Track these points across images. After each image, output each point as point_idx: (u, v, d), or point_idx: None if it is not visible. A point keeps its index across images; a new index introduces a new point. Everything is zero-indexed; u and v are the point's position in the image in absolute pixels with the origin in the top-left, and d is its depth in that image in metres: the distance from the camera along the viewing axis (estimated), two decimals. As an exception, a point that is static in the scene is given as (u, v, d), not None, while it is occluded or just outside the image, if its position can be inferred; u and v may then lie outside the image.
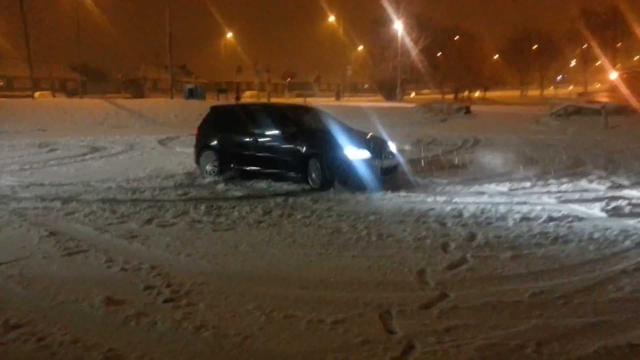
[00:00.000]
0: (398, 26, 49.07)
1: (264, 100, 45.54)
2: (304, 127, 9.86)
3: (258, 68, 43.57)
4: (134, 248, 5.59)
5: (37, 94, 45.47)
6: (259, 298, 4.18)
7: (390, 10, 47.68)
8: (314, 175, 8.94)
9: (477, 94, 75.87)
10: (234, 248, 5.57)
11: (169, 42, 38.38)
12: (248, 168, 9.83)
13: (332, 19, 64.25)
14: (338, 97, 56.58)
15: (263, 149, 9.72)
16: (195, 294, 4.28)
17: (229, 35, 71.19)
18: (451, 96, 65.33)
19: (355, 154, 8.79)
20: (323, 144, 9.14)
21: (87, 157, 13.79)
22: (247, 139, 9.97)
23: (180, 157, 13.40)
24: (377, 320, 3.79)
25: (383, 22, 52.78)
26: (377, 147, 9.27)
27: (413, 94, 71.67)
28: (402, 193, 8.42)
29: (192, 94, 37.99)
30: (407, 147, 15.46)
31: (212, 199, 8.20)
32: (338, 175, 8.71)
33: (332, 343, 3.46)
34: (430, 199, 7.91)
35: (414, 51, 50.42)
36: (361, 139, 9.46)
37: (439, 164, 12.06)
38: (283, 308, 3.98)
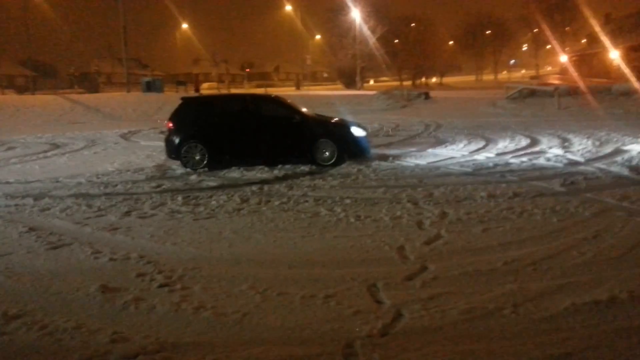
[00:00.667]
0: (355, 14, 49.32)
1: (224, 91, 45.09)
2: (302, 113, 10.72)
3: (217, 59, 43.05)
4: (118, 239, 5.65)
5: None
6: (250, 279, 4.36)
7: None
8: (326, 153, 10.15)
9: (434, 80, 77.36)
10: (218, 235, 5.71)
11: (122, 34, 37.43)
12: (244, 155, 10.46)
13: (288, 8, 64.01)
14: (298, 87, 56.60)
15: (263, 136, 10.38)
16: (188, 278, 4.42)
17: (184, 26, 69.94)
18: (409, 83, 66.39)
19: (358, 133, 10.61)
20: (332, 126, 10.75)
21: (49, 153, 13.50)
22: (243, 128, 10.41)
23: (147, 150, 13.30)
24: (366, 293, 4.04)
25: (340, 10, 53.00)
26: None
27: (372, 82, 72.35)
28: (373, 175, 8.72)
29: (149, 87, 37.25)
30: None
31: (187, 189, 8.27)
32: (350, 150, 10.38)
33: (327, 315, 3.68)
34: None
35: (371, 39, 50.82)
36: (346, 121, 11.41)
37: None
38: (275, 287, 4.17)
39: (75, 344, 3.33)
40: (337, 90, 47.23)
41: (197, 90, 42.68)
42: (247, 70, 75.07)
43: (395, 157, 10.96)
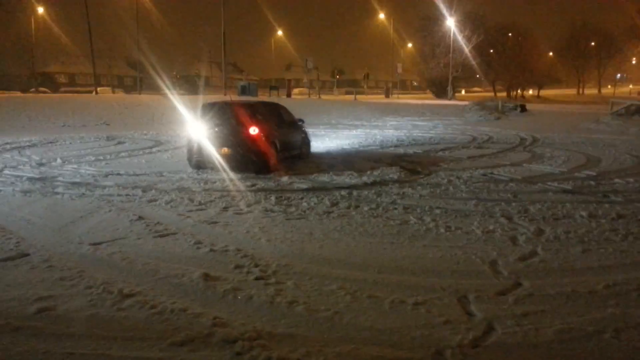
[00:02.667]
0: (450, 23, 48.41)
1: (314, 97, 46.02)
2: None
3: (309, 66, 44.03)
4: (217, 232, 6.02)
5: (94, 91, 47.55)
6: (340, 280, 4.48)
7: (442, 7, 47.20)
8: None
9: (530, 92, 73.95)
10: (309, 235, 5.90)
11: (223, 40, 39.39)
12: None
13: (382, 16, 64.11)
14: (387, 95, 56.42)
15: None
16: (282, 274, 4.63)
17: (279, 33, 72.29)
18: (503, 94, 63.95)
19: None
20: None
21: (154, 149, 14.52)
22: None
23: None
24: (456, 304, 4.02)
25: (434, 19, 52.23)
26: None
27: (463, 92, 70.57)
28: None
29: (244, 91, 38.91)
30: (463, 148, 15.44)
31: (279, 190, 8.58)
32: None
33: (416, 321, 3.72)
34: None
35: (466, 48, 49.61)
36: None
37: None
38: (365, 289, 4.27)
39: (181, 324, 3.62)
40: (427, 100, 46.59)
41: (288, 95, 43.90)
42: (338, 76, 76.07)
43: (488, 170, 10.67)
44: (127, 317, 3.74)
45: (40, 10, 50.23)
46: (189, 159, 10.72)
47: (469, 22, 50.25)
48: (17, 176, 9.87)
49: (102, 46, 51.44)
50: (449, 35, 49.12)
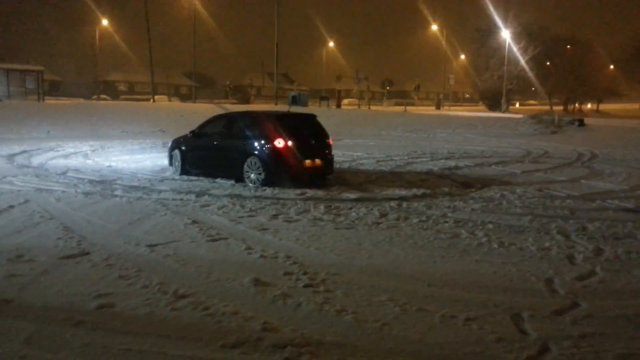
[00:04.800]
0: (506, 35, 47.39)
1: (364, 107, 46.04)
2: None
3: (360, 77, 44.15)
4: (267, 239, 6.11)
5: (152, 99, 49.33)
6: (389, 291, 4.45)
7: (497, 18, 46.30)
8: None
9: (589, 106, 71.20)
10: (358, 245, 5.90)
11: (275, 51, 40.13)
12: None
13: (434, 27, 63.54)
14: (438, 107, 55.73)
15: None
16: (330, 282, 4.64)
17: (330, 44, 72.89)
18: (560, 108, 61.87)
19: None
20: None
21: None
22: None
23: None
24: (509, 322, 3.91)
25: (489, 30, 51.27)
26: None
27: (517, 105, 68.77)
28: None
29: (295, 101, 39.31)
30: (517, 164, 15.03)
31: (328, 199, 8.61)
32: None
33: (467, 337, 3.64)
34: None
35: (521, 60, 48.39)
36: None
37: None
38: (415, 302, 4.22)
39: (232, 327, 3.70)
40: (480, 112, 45.67)
41: (338, 105, 44.13)
42: (388, 88, 75.82)
43: (544, 185, 10.35)
44: (181, 317, 3.85)
45: (105, 22, 52.77)
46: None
47: (525, 33, 49.04)
48: (80, 179, 10.37)
49: (160, 56, 53.64)
50: (504, 47, 48.07)
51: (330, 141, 10.61)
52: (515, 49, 47.95)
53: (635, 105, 74.05)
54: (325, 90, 69.49)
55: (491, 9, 45.49)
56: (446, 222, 7.04)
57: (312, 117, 10.78)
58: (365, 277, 4.81)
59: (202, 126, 11.37)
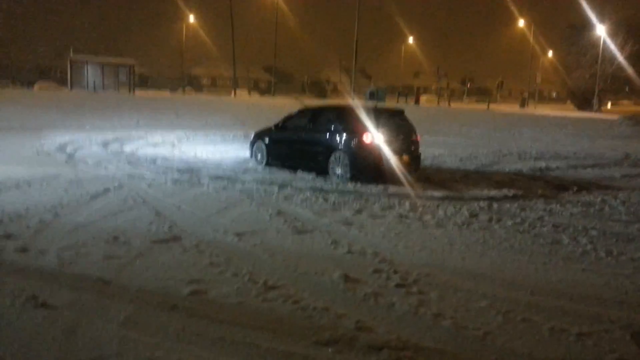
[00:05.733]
0: (601, 31, 44.26)
1: (443, 104, 44.82)
2: None
3: (440, 74, 43.01)
4: (353, 234, 5.95)
5: (233, 93, 50.73)
6: (489, 298, 4.15)
7: (592, 14, 43.29)
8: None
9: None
10: (449, 246, 5.60)
11: (355, 48, 39.88)
12: None
13: (521, 23, 60.61)
14: (523, 105, 53.13)
15: None
16: (423, 283, 4.40)
17: (410, 40, 71.54)
18: (659, 109, 57.03)
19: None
20: None
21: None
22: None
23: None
24: (630, 340, 3.50)
25: (580, 27, 48.11)
26: None
27: (609, 105, 64.22)
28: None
29: (372, 97, 39.04)
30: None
31: (412, 196, 8.32)
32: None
33: (582, 355, 3.29)
34: None
35: (617, 58, 45.00)
36: None
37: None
38: (518, 311, 3.89)
39: (325, 324, 3.57)
40: (568, 112, 43.06)
41: (416, 102, 43.26)
42: (469, 85, 73.32)
43: (650, 191, 9.45)
44: (272, 309, 3.77)
45: (191, 18, 54.92)
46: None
47: (621, 29, 45.54)
48: (168, 167, 10.73)
49: (241, 51, 55.14)
50: (598, 44, 44.96)
51: (418, 138, 10.26)
52: (610, 45, 44.68)
53: None
54: (402, 86, 68.49)
55: (585, 4, 42.63)
56: (544, 226, 6.56)
57: (400, 112, 10.45)
58: (460, 280, 4.52)
59: (286, 119, 11.34)
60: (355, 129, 9.63)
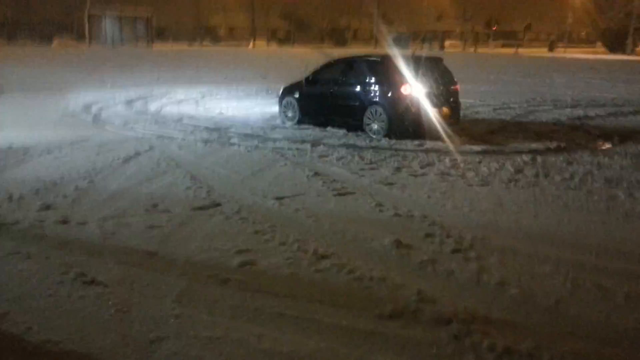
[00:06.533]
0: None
1: (469, 49, 43.33)
2: None
3: (466, 16, 41.33)
4: (396, 195, 5.73)
5: (251, 44, 49.72)
6: (552, 261, 3.93)
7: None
8: None
9: None
10: (499, 205, 5.35)
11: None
12: None
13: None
14: (552, 48, 51.09)
15: None
16: (480, 248, 4.19)
17: (431, -19, 68.54)
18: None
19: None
20: None
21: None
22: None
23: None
24: None
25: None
26: None
27: (641, 46, 61.44)
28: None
29: (396, 43, 37.83)
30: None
31: (451, 151, 8.01)
32: None
33: (664, 324, 3.08)
34: None
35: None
36: None
37: None
38: (586, 276, 3.67)
39: (384, 295, 3.40)
40: (600, 54, 41.31)
41: (442, 47, 41.90)
42: (494, 28, 70.32)
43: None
44: (326, 280, 3.62)
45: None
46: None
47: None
48: (195, 126, 10.52)
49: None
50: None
51: (458, 87, 9.77)
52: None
53: None
54: (425, 31, 66.30)
55: None
56: (595, 181, 6.24)
57: (439, 61, 9.88)
58: (518, 243, 4.30)
59: (317, 72, 10.69)
60: (392, 81, 9.11)
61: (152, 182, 6.18)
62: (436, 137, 8.84)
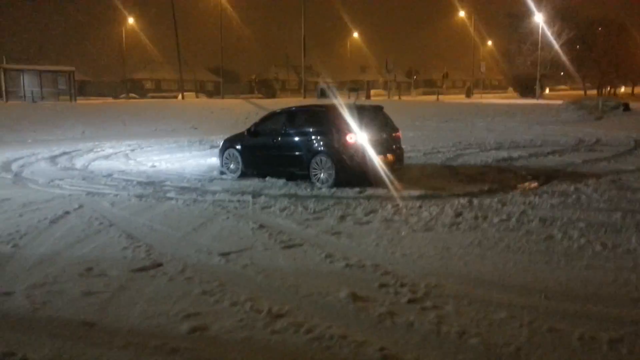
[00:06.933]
0: (539, 19, 45.86)
1: (393, 97, 45.27)
2: None
3: (389, 67, 43.36)
4: (344, 244, 5.66)
5: (179, 95, 49.22)
6: (505, 307, 3.96)
7: (530, 2, 44.77)
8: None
9: (622, 89, 68.79)
10: (446, 250, 5.40)
11: (303, 44, 39.62)
12: None
13: (462, 14, 62.10)
14: (469, 95, 54.44)
15: None
16: (435, 296, 4.17)
17: (355, 35, 71.88)
18: (593, 92, 59.88)
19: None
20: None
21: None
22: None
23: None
24: (661, 342, 3.38)
25: (520, 15, 49.78)
26: None
27: (548, 91, 66.85)
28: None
29: (324, 93, 38.85)
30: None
31: (391, 197, 8.11)
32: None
33: (621, 364, 3.14)
34: (638, 206, 7.13)
35: (555, 45, 46.79)
36: None
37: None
38: (541, 320, 3.71)
39: (347, 355, 3.26)
40: (512, 99, 44.42)
41: (367, 97, 43.45)
42: (415, 77, 74.31)
43: (614, 176, 9.68)
44: (284, 342, 3.43)
45: (131, 20, 52.95)
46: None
47: (558, 17, 47.41)
48: (127, 180, 10.08)
49: (185, 53, 53.46)
50: (537, 32, 46.60)
51: (400, 134, 9.95)
52: (548, 33, 46.39)
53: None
54: (350, 81, 68.74)
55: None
56: (531, 221, 6.48)
57: (379, 109, 10.03)
58: (471, 289, 4.32)
59: (260, 123, 10.55)
60: (337, 129, 9.10)
61: (85, 243, 5.77)
62: (378, 183, 8.93)
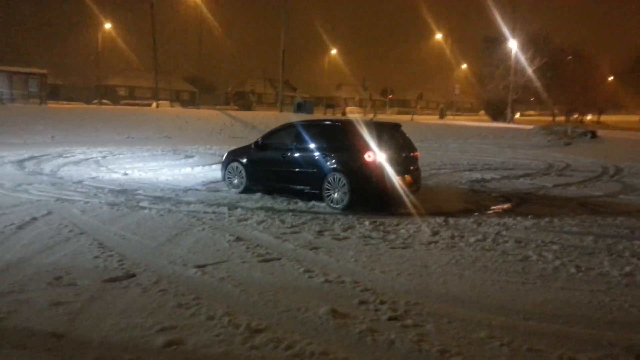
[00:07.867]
0: (513, 45, 47.17)
1: (369, 115, 45.70)
2: None
3: (366, 85, 43.85)
4: (323, 260, 5.60)
5: (154, 104, 48.65)
6: (485, 326, 3.96)
7: (504, 29, 46.02)
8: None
9: (589, 117, 71.13)
10: (425, 268, 5.40)
11: (282, 58, 39.75)
12: None
13: (439, 36, 63.45)
14: (442, 116, 55.43)
15: None
16: (415, 314, 4.14)
17: (333, 51, 72.62)
18: (562, 118, 61.69)
19: None
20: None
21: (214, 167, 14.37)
22: None
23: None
24: (637, 365, 3.42)
25: (495, 41, 51.09)
26: None
27: (518, 115, 68.61)
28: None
29: (300, 108, 38.99)
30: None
31: (369, 214, 8.10)
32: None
33: (600, 386, 3.15)
34: (608, 230, 7.30)
35: (528, 71, 48.13)
36: None
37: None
38: (520, 340, 3.72)
39: (328, 372, 3.19)
40: (484, 122, 45.36)
41: (343, 114, 43.78)
42: (391, 96, 75.37)
43: (583, 200, 9.91)
44: (265, 359, 3.34)
45: (107, 25, 52.30)
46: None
47: (532, 44, 48.83)
48: (99, 187, 9.84)
49: (163, 62, 53.07)
50: (510, 57, 47.87)
51: (418, 154, 9.38)
52: (522, 58, 47.70)
53: (635, 117, 74.04)
54: (326, 97, 69.27)
55: (499, 19, 45.22)
56: (506, 242, 6.55)
57: (398, 127, 9.40)
58: (451, 308, 4.31)
59: (268, 136, 9.88)
60: (354, 146, 8.48)
61: (54, 251, 5.56)
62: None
